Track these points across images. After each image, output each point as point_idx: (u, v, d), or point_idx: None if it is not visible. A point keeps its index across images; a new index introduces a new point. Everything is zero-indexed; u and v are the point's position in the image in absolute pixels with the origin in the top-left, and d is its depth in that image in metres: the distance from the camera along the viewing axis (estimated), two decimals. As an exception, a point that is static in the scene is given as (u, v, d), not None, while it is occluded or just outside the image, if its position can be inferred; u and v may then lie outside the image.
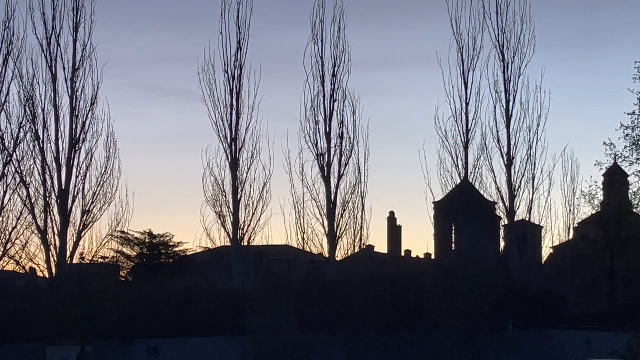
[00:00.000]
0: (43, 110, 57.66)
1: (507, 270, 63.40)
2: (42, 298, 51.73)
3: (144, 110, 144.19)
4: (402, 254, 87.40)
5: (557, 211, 73.94)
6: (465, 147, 65.21)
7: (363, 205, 63.14)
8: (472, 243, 65.69)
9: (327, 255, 62.43)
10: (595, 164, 52.73)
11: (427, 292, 54.43)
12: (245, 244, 60.66)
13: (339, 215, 62.29)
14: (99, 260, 59.08)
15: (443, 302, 51.46)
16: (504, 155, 65.18)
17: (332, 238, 61.83)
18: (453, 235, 73.66)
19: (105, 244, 59.11)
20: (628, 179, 56.01)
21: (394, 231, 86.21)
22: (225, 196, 60.74)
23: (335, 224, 62.04)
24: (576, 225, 67.97)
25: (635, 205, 54.38)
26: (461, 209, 66.58)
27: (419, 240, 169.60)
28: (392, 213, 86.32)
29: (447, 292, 52.11)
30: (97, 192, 58.01)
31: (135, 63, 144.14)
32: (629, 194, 56.48)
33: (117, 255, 63.43)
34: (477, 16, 65.81)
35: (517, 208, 65.01)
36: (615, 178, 64.38)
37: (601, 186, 64.78)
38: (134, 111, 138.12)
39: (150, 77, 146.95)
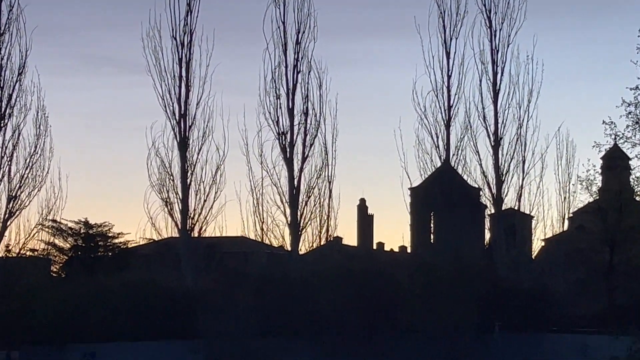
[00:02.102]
0: (-37, 80, 58.27)
1: (494, 265, 64.19)
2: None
3: (79, 82, 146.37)
4: (374, 247, 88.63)
5: (550, 199, 73.74)
6: (447, 126, 66.09)
7: (330, 191, 63.67)
8: (453, 234, 66.48)
9: (289, 249, 62.87)
10: (594, 146, 51.45)
11: (402, 290, 54.85)
12: (196, 235, 61.19)
13: (303, 202, 62.71)
14: (28, 253, 59.26)
15: (421, 301, 52.07)
16: (491, 135, 65.88)
17: (295, 229, 62.23)
18: (432, 225, 74.29)
19: (34, 234, 59.18)
20: (630, 162, 54.48)
21: (365, 221, 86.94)
22: (173, 180, 61.13)
23: (298, 213, 62.45)
24: (571, 214, 69.08)
25: (637, 192, 54.51)
26: (442, 196, 67.40)
27: (394, 232, 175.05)
28: (363, 201, 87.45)
29: (426, 290, 52.82)
30: (25, 176, 58.13)
31: (69, 28, 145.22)
32: (631, 180, 55.81)
33: (49, 247, 63.74)
34: (461, -24, 67.69)
35: (505, 195, 65.98)
36: (615, 162, 65.79)
37: (600, 171, 65.65)
38: (69, 83, 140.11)
39: (87, 44, 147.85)
